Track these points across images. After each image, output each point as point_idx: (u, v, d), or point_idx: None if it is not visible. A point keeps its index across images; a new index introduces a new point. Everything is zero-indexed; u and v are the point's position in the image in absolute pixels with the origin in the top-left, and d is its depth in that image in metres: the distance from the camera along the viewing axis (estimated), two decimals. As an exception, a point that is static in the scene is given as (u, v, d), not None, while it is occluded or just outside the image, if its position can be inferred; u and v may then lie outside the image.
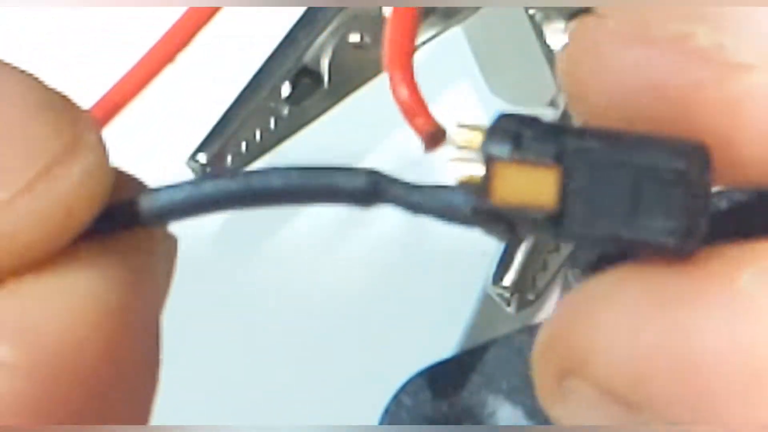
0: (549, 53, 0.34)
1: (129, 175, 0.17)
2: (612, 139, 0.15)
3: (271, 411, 0.35)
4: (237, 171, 0.16)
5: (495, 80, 0.36)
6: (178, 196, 0.16)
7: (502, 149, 0.15)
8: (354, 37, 0.34)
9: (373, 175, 0.16)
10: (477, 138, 0.15)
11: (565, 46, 0.15)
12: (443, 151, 0.17)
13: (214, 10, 0.21)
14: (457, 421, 0.33)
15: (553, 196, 0.15)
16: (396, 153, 0.37)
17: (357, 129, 0.37)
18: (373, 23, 0.34)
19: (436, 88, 0.38)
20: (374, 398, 0.34)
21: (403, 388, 0.33)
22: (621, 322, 0.14)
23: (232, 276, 0.36)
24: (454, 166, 0.16)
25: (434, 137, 0.17)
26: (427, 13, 0.34)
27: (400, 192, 0.16)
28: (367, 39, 0.34)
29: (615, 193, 0.14)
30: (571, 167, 0.15)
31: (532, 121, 0.15)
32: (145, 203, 0.16)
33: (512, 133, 0.15)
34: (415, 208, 0.16)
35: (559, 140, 0.15)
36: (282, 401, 0.35)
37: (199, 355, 0.35)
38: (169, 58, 0.20)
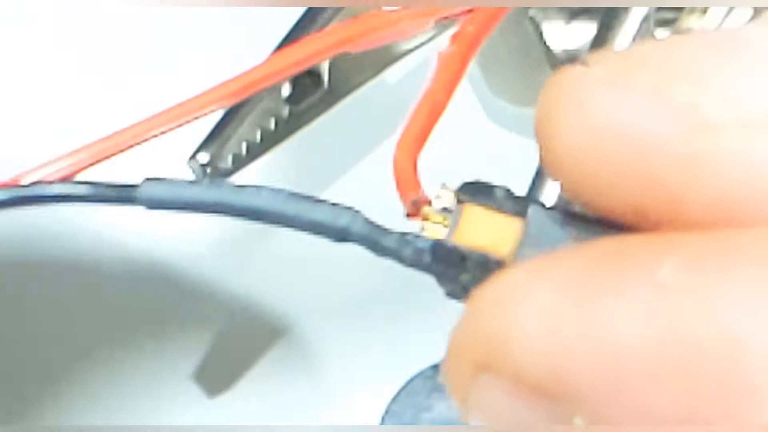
0: (549, 53, 0.34)
1: None
2: (573, 214, 0.15)
3: (272, 411, 0.35)
4: (229, 183, 0.18)
5: (495, 80, 0.36)
6: (175, 190, 0.17)
7: (473, 196, 0.16)
8: (354, 37, 0.34)
9: (355, 215, 0.17)
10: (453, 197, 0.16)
11: (546, 88, 0.15)
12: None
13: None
14: (458, 421, 0.33)
15: (510, 246, 0.15)
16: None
17: (357, 129, 0.37)
18: (373, 23, 0.34)
19: (436, 88, 0.38)
20: (374, 398, 0.34)
21: (404, 388, 0.33)
22: (539, 313, 0.14)
23: (234, 276, 0.36)
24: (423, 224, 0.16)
25: (417, 206, 0.17)
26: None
27: (374, 235, 0.17)
28: (367, 39, 0.34)
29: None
30: (532, 222, 0.15)
31: (504, 189, 0.16)
32: (145, 188, 0.18)
33: (485, 186, 0.16)
34: (384, 251, 0.17)
35: (527, 202, 0.16)
36: (282, 401, 0.35)
37: (200, 355, 0.35)
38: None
